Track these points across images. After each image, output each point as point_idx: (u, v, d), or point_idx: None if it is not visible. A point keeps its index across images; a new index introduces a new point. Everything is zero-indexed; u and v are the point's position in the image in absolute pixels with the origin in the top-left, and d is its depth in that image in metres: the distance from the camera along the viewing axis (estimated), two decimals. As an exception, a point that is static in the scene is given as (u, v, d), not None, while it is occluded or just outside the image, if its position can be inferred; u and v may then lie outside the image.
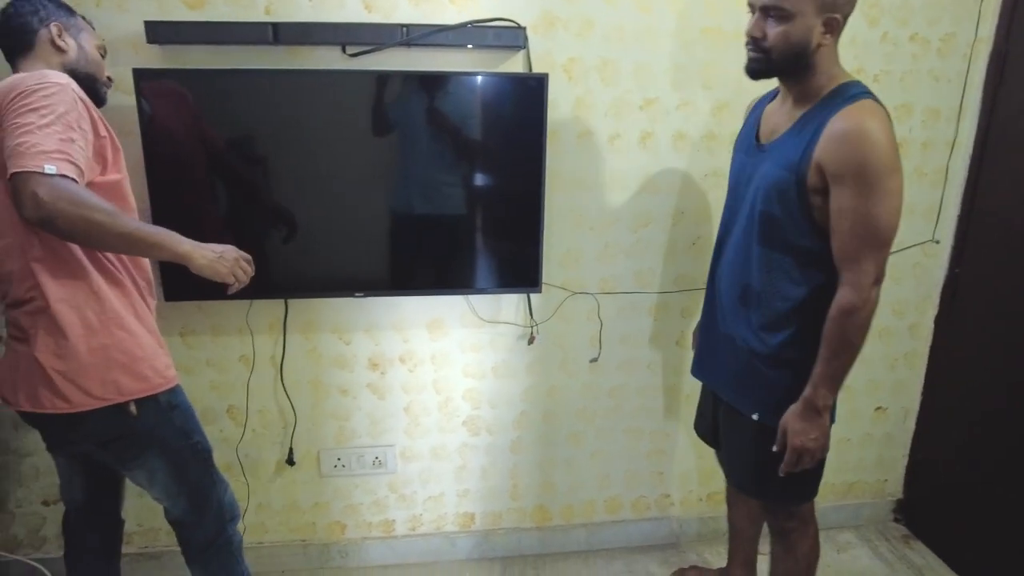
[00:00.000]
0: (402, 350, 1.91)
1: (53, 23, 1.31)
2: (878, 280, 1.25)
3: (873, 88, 1.88)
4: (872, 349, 2.10)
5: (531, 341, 1.92)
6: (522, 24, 1.68)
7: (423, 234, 1.76)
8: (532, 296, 1.89)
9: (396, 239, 1.75)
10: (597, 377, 2.00)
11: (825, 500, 2.22)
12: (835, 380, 1.31)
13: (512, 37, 1.67)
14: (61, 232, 1.13)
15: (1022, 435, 1.82)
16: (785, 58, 1.27)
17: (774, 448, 1.38)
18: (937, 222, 2.02)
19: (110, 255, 1.29)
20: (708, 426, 1.68)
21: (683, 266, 1.94)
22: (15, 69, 1.30)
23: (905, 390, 2.17)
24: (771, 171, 1.32)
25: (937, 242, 2.04)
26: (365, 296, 1.77)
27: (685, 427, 2.08)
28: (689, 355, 2.00)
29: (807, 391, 1.32)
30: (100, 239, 1.16)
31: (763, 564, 1.92)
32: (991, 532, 1.92)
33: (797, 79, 1.32)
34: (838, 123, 1.22)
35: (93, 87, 1.36)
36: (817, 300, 1.31)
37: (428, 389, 1.95)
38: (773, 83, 1.42)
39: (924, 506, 2.20)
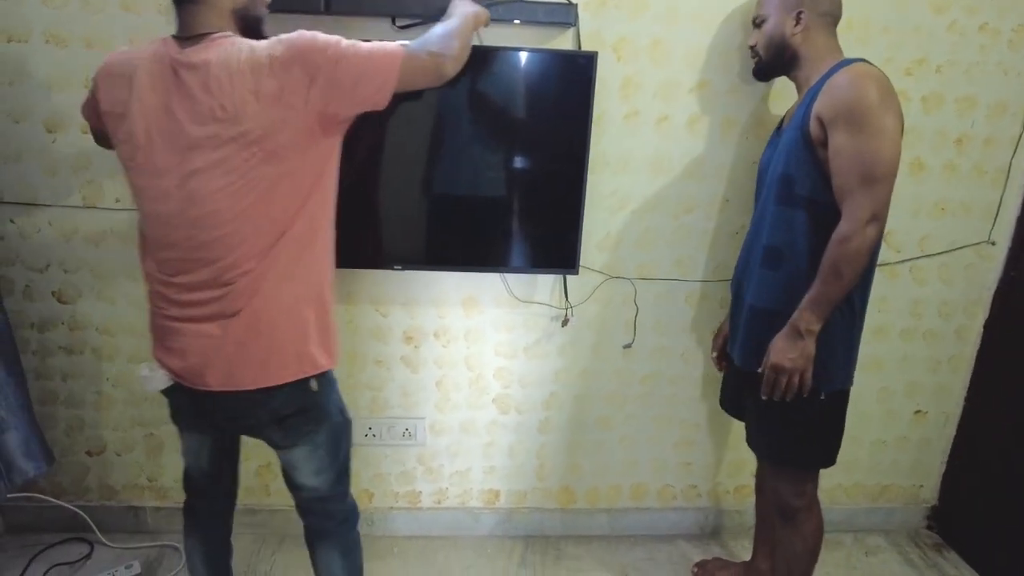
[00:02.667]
0: (437, 325, 1.92)
1: None
2: (875, 218, 1.32)
3: (935, 79, 1.84)
4: (915, 350, 2.04)
5: (565, 323, 1.91)
6: (573, 1, 1.66)
7: (463, 210, 1.75)
8: (568, 278, 1.88)
9: (436, 214, 1.75)
10: (630, 363, 1.99)
11: (856, 502, 2.18)
12: (820, 306, 1.37)
13: (562, 14, 1.65)
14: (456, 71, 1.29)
15: (1071, 448, 1.76)
16: (770, 54, 1.53)
17: (759, 369, 1.47)
18: (994, 223, 1.94)
19: (330, 231, 1.28)
20: (732, 399, 1.75)
21: (724, 255, 1.91)
22: (181, 15, 1.17)
23: (947, 395, 2.11)
24: (786, 138, 1.47)
25: (993, 244, 1.96)
26: (404, 270, 1.78)
27: (717, 419, 2.06)
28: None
29: (794, 315, 1.40)
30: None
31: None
32: (1030, 545, 1.86)
33: (795, 70, 1.52)
34: (835, 79, 1.37)
35: (257, 28, 1.26)
36: None
37: (460, 365, 1.96)
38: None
39: (960, 515, 2.14)
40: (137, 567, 1.84)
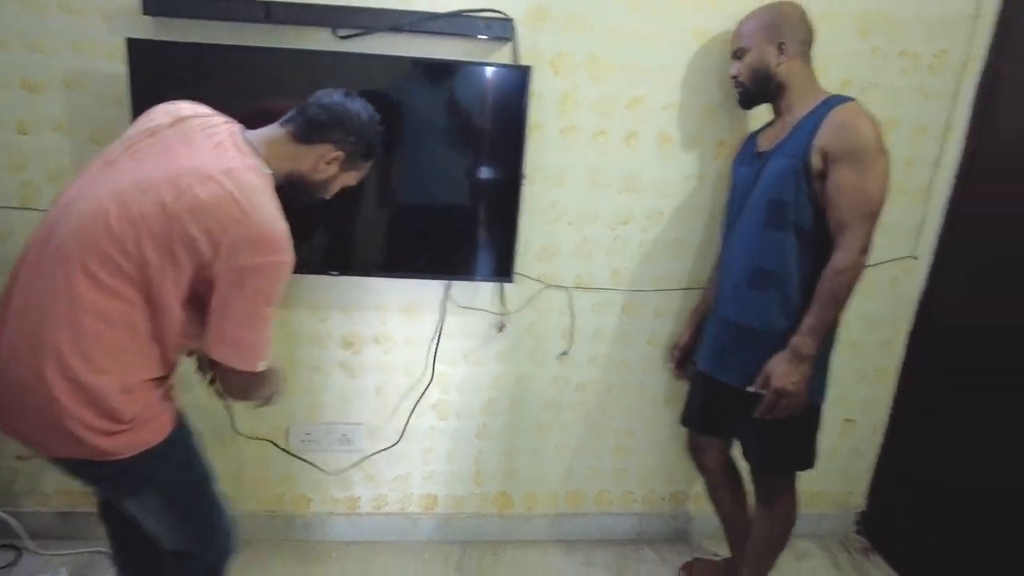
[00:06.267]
0: (377, 331, 1.93)
1: (343, 152, 1.29)
2: (865, 249, 1.45)
3: (860, 101, 1.90)
4: (844, 361, 2.09)
5: (501, 329, 1.94)
6: (511, 16, 1.70)
7: (401, 218, 1.78)
8: (507, 286, 1.91)
9: (374, 222, 1.77)
10: (566, 371, 2.02)
11: (789, 508, 2.24)
12: (819, 331, 1.48)
13: (501, 28, 1.69)
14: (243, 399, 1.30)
15: (988, 455, 1.83)
16: (755, 83, 1.61)
17: (750, 388, 1.54)
18: (918, 239, 2.02)
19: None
20: (699, 415, 1.81)
21: (660, 267, 1.96)
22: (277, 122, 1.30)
23: (874, 405, 2.18)
24: (779, 162, 1.52)
25: (916, 259, 2.04)
26: (340, 276, 1.79)
27: (651, 426, 2.10)
28: (659, 355, 2.03)
29: (794, 339, 1.49)
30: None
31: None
32: (951, 551, 1.93)
33: (779, 99, 1.60)
34: (837, 116, 1.46)
35: (294, 195, 1.30)
36: (815, 281, 1.49)
37: (400, 371, 1.98)
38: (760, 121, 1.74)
39: (886, 520, 2.22)
40: (64, 573, 1.81)
